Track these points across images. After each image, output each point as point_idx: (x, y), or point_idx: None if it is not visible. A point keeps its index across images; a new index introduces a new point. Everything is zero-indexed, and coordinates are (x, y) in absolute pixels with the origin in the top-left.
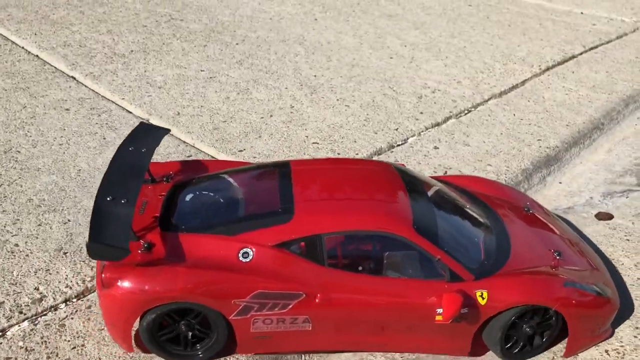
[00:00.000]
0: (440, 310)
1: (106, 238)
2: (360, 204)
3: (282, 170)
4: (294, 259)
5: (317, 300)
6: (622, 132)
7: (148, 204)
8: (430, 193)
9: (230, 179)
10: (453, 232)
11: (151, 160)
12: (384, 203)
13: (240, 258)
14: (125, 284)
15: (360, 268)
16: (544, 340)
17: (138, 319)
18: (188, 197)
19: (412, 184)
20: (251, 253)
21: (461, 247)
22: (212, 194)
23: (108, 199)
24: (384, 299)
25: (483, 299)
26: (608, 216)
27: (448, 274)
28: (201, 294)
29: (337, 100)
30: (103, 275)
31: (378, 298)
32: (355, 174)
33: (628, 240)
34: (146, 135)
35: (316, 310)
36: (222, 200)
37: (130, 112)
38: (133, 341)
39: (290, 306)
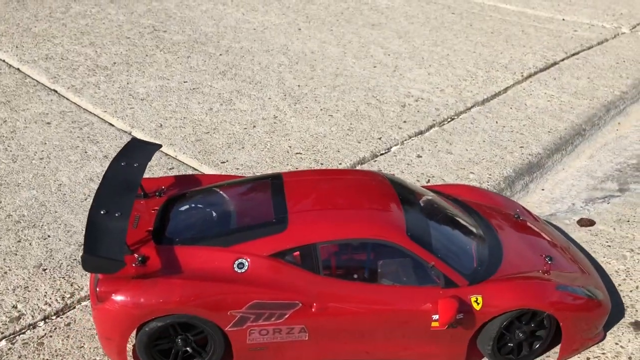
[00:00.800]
0: (435, 317)
1: (101, 250)
2: (354, 213)
3: (274, 182)
4: (289, 268)
5: (313, 310)
6: (603, 137)
7: (141, 218)
8: (422, 202)
9: (223, 192)
10: (446, 240)
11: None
12: (377, 211)
13: (236, 269)
14: (120, 297)
15: (355, 276)
16: (536, 346)
17: (134, 333)
18: (181, 211)
19: (404, 192)
20: (246, 264)
21: (454, 254)
22: (205, 207)
23: (102, 212)
24: (379, 307)
25: (478, 304)
26: (590, 222)
27: (442, 280)
28: (197, 306)
29: (321, 110)
30: (97, 289)
31: (374, 306)
32: (347, 184)
33: (609, 246)
34: (138, 151)
35: (312, 320)
36: (215, 213)
37: (113, 125)
38: (128, 357)
39: (287, 316)
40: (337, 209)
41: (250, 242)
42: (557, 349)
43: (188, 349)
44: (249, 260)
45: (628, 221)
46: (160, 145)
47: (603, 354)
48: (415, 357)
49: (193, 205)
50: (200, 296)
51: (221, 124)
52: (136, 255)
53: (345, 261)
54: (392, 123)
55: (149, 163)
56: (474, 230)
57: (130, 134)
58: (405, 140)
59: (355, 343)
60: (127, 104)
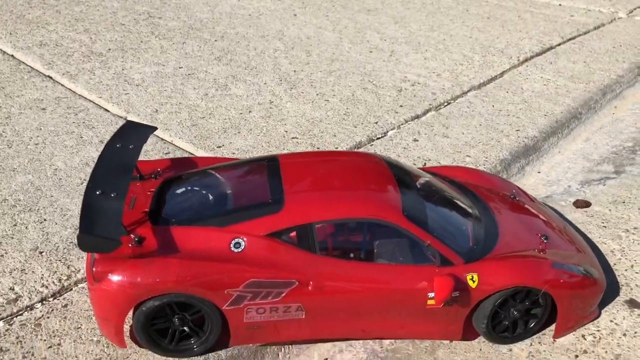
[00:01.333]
0: (431, 295)
1: (97, 230)
2: (350, 193)
3: (270, 164)
4: (286, 247)
5: (309, 288)
6: (599, 120)
7: (137, 200)
8: (418, 182)
9: (219, 174)
10: (441, 219)
11: (138, 158)
12: (373, 191)
13: (232, 248)
14: (117, 277)
15: (351, 255)
16: (532, 324)
17: (131, 312)
18: (177, 192)
19: (400, 173)
20: (243, 243)
21: (450, 233)
22: (201, 188)
23: (97, 192)
24: (375, 286)
25: (474, 282)
26: (585, 204)
27: (438, 259)
28: (194, 285)
29: (317, 95)
30: (94, 269)
31: (370, 284)
32: (344, 165)
33: (605, 227)
34: (133, 133)
35: (309, 298)
36: (211, 194)
37: (108, 111)
38: (125, 337)
39: (283, 294)
40: (333, 189)
41: (247, 222)
42: (552, 327)
43: (185, 328)
44: (245, 239)
45: (623, 202)
46: (156, 128)
47: (598, 330)
48: (411, 335)
49: (189, 186)
50: (197, 275)
51: (217, 109)
52: (132, 236)
53: (341, 241)
54: (388, 107)
55: (145, 147)
56: (470, 210)
57: (125, 119)
58: (402, 124)
59: (352, 321)
60: (123, 89)
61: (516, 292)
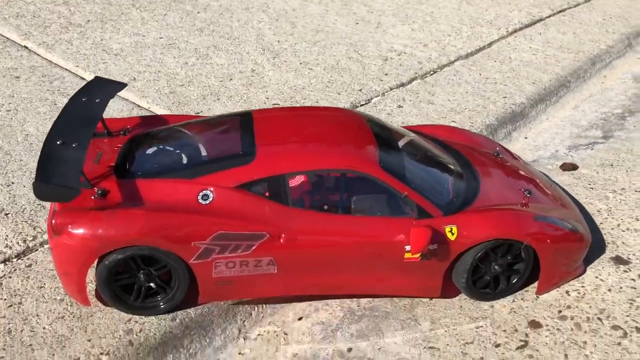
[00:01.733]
0: (409, 248)
1: (54, 179)
2: (325, 144)
3: (243, 119)
4: (256, 199)
5: (281, 241)
6: (588, 89)
7: (103, 154)
8: (396, 136)
9: (190, 130)
10: (420, 173)
11: (105, 118)
12: (350, 143)
13: (200, 200)
14: (78, 229)
15: (325, 207)
16: (514, 280)
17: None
18: (146, 147)
19: (378, 127)
20: (211, 195)
21: (429, 186)
22: (170, 143)
23: (58, 142)
24: (351, 239)
25: (452, 234)
26: (573, 167)
27: (416, 211)
28: (159, 237)
29: (300, 63)
30: (53, 221)
31: (345, 237)
32: (320, 119)
33: (592, 188)
34: (101, 88)
35: (281, 252)
36: (181, 148)
37: (84, 79)
38: (91, 296)
39: (254, 247)
40: (308, 141)
41: (216, 173)
42: (536, 284)
43: (152, 284)
44: (213, 191)
45: (612, 165)
46: (125, 85)
47: (582, 287)
48: (389, 291)
49: (158, 141)
50: (162, 227)
51: (196, 77)
52: (96, 189)
53: (315, 193)
54: (373, 76)
55: (121, 114)
56: (451, 165)
57: None
58: (386, 91)
59: (327, 277)
60: (100, 59)
61: (497, 245)
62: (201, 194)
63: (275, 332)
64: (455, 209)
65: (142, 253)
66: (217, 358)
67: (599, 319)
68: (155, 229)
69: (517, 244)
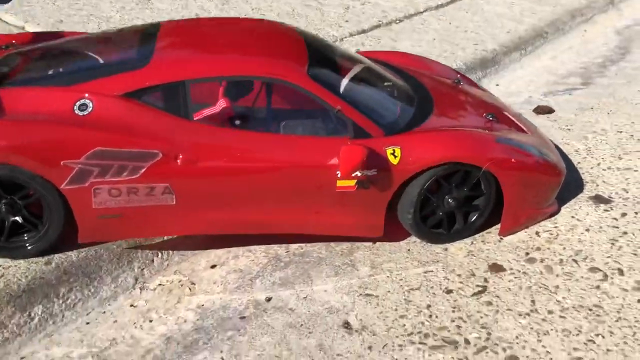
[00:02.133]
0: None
1: None
2: (241, 50)
3: (149, 29)
4: (147, 110)
5: (178, 162)
6: (568, 42)
7: None
8: (337, 54)
9: (84, 42)
10: (360, 90)
11: None
12: (271, 49)
13: (76, 111)
14: None
15: (237, 123)
16: (473, 219)
17: None
18: (24, 58)
19: (318, 43)
20: (90, 104)
21: (369, 104)
22: (54, 54)
23: None
24: (270, 161)
25: (395, 157)
26: (548, 110)
27: (351, 129)
28: (19, 153)
29: (252, 9)
30: None
31: (263, 160)
32: (243, 27)
33: (569, 130)
34: None
35: (179, 176)
36: (67, 57)
37: (5, 22)
38: None
39: (143, 170)
40: (221, 45)
41: (98, 80)
42: (499, 224)
43: (17, 218)
44: (93, 100)
45: (592, 108)
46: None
47: (555, 227)
48: (323, 229)
49: (40, 53)
50: (23, 140)
51: (132, 21)
52: None
53: (225, 105)
54: (332, 22)
55: None
56: (401, 87)
57: (23, 28)
58: (345, 37)
59: (238, 211)
60: (27, 2)
61: (450, 173)
62: (78, 103)
63: (180, 281)
64: (399, 129)
65: (1, 174)
66: (102, 311)
67: (574, 260)
68: (14, 142)
69: (475, 170)
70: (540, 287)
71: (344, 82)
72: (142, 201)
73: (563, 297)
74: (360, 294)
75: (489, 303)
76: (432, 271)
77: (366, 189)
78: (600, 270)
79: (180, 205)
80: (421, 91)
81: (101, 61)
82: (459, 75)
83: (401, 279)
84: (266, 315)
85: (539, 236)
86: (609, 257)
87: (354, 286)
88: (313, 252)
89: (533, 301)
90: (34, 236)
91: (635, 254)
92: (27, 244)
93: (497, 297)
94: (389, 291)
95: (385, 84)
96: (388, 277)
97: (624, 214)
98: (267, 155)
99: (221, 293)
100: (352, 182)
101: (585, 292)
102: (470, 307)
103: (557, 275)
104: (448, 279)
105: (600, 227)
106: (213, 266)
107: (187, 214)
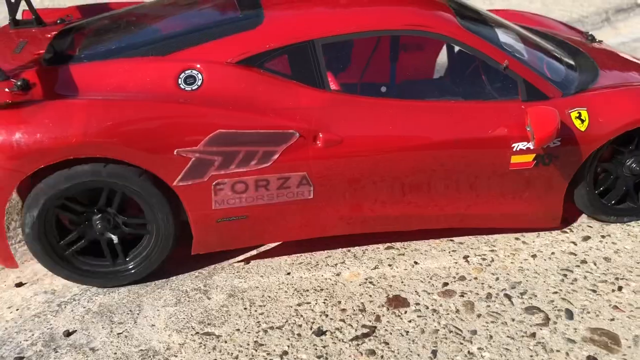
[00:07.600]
0: (517, 146)
1: None
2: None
3: None
4: (273, 80)
5: (318, 144)
6: None
7: (28, 44)
8: (473, 9)
9: (162, 8)
10: (519, 46)
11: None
12: (414, 4)
13: (181, 85)
14: None
15: (383, 90)
16: None
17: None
18: (93, 29)
19: (460, 5)
20: (199, 76)
21: (534, 61)
22: (132, 23)
23: None
24: (428, 137)
25: (582, 122)
26: None
27: (524, 90)
28: (116, 143)
29: None
30: None
31: (425, 135)
32: None
33: None
34: None
35: (319, 162)
36: (146, 25)
37: None
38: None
39: (276, 156)
40: None
41: (204, 44)
42: None
43: (112, 236)
44: (202, 69)
45: None
46: None
47: (492, 251)
48: (487, 220)
49: (112, 21)
50: (121, 124)
51: None
52: (14, 80)
53: (367, 69)
54: None
55: None
56: (551, 44)
57: None
58: None
59: (396, 203)
60: None
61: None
62: (183, 75)
63: None
64: (577, 87)
65: (85, 171)
66: None
67: (506, 296)
68: (110, 128)
69: None
70: (450, 332)
71: (501, 36)
72: (273, 197)
73: (479, 349)
74: (197, 332)
75: (371, 352)
76: (308, 303)
77: (546, 165)
78: (541, 311)
79: (319, 200)
80: (573, 50)
81: (197, 24)
82: (590, 33)
83: (262, 313)
84: (52, 357)
85: (467, 262)
86: (555, 292)
87: (193, 321)
88: (165, 272)
89: (435, 352)
90: (135, 253)
91: (593, 291)
92: (130, 265)
93: (386, 343)
94: (238, 329)
95: (538, 41)
96: (245, 309)
97: (586, 238)
98: (421, 130)
99: (11, 322)
100: (530, 157)
101: (513, 343)
102: (342, 358)
103: (479, 316)
104: (326, 315)
105: (552, 253)
106: (19, 284)
107: (326, 210)
